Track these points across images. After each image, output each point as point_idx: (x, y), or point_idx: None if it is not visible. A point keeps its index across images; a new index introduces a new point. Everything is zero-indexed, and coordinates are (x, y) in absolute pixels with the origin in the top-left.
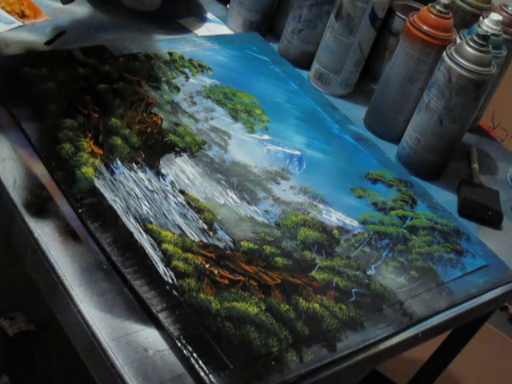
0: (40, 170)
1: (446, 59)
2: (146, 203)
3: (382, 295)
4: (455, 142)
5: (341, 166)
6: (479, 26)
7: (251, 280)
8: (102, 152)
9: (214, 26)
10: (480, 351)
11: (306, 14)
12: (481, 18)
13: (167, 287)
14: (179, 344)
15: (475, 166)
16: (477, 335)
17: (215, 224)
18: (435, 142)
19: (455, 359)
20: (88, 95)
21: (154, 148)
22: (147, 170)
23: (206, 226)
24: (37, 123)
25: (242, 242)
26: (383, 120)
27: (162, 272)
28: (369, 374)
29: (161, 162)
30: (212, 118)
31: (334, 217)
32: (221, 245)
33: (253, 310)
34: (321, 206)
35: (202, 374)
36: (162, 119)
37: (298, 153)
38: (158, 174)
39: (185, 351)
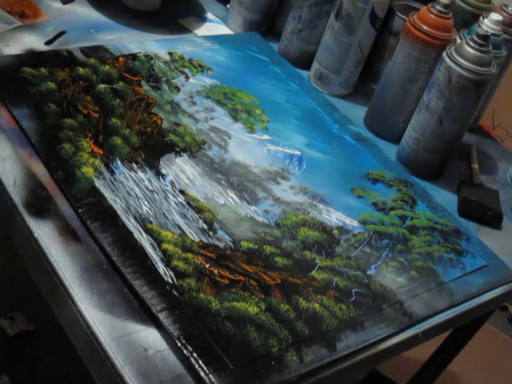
0: (40, 170)
1: (446, 59)
2: (146, 203)
3: (382, 295)
4: (455, 142)
5: (341, 166)
6: (479, 26)
7: (251, 280)
8: (102, 152)
9: (214, 26)
10: (480, 351)
11: (305, 14)
12: (481, 18)
13: (167, 287)
14: (179, 344)
15: (475, 165)
16: (477, 335)
17: (215, 224)
18: (435, 141)
19: (455, 359)
20: (88, 95)
21: (153, 148)
22: (147, 170)
23: (206, 226)
24: (37, 123)
25: (242, 242)
26: (383, 120)
27: (162, 272)
28: (369, 373)
29: (161, 162)
30: (212, 118)
31: (333, 217)
32: (221, 245)
33: (253, 309)
34: (321, 205)
35: (202, 373)
36: (161, 119)
37: (297, 153)
38: (158, 173)
39: (185, 351)
